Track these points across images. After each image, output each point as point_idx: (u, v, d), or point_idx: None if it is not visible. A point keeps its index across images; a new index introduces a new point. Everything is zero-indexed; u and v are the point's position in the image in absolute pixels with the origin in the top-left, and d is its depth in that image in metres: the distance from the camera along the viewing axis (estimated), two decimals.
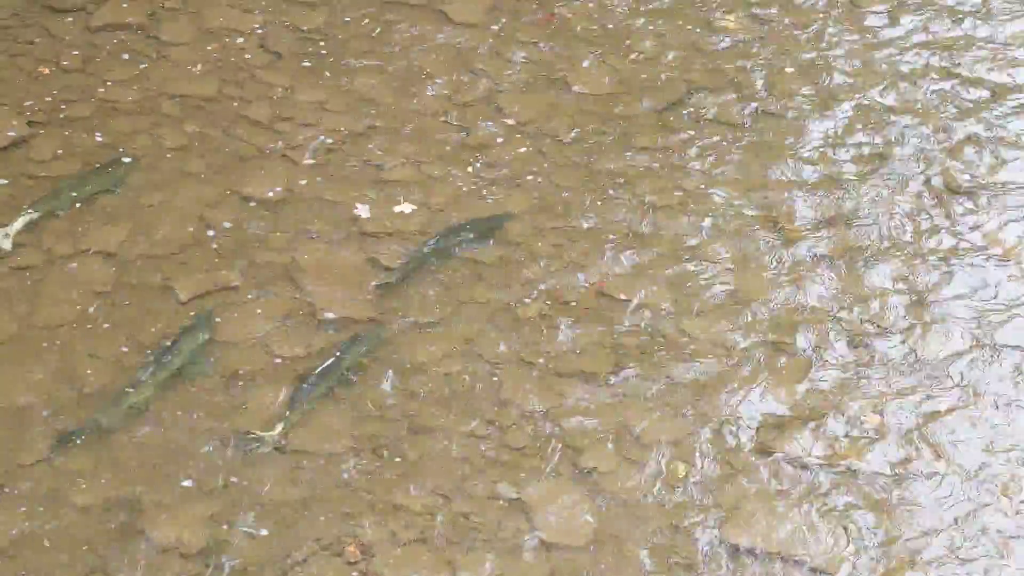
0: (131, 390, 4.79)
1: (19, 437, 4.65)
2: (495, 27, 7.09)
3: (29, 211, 5.49)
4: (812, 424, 5.00)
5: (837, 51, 7.19)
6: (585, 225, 5.86)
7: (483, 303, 5.41)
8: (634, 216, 5.93)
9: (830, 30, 7.36)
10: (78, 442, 4.61)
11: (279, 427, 4.76)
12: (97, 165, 5.84)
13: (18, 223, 5.44)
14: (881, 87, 6.90)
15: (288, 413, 4.80)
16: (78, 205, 5.62)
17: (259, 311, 5.27)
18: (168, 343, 4.99)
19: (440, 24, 7.08)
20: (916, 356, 5.30)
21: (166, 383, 4.86)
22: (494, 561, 4.45)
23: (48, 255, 5.38)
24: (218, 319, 5.19)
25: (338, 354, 5.06)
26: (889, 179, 6.26)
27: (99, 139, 6.03)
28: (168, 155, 6.00)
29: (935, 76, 7.01)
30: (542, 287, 5.51)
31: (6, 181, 5.73)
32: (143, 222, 5.61)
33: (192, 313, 5.16)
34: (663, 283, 5.58)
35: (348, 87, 6.56)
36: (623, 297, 5.49)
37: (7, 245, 5.35)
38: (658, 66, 6.93)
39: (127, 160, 5.89)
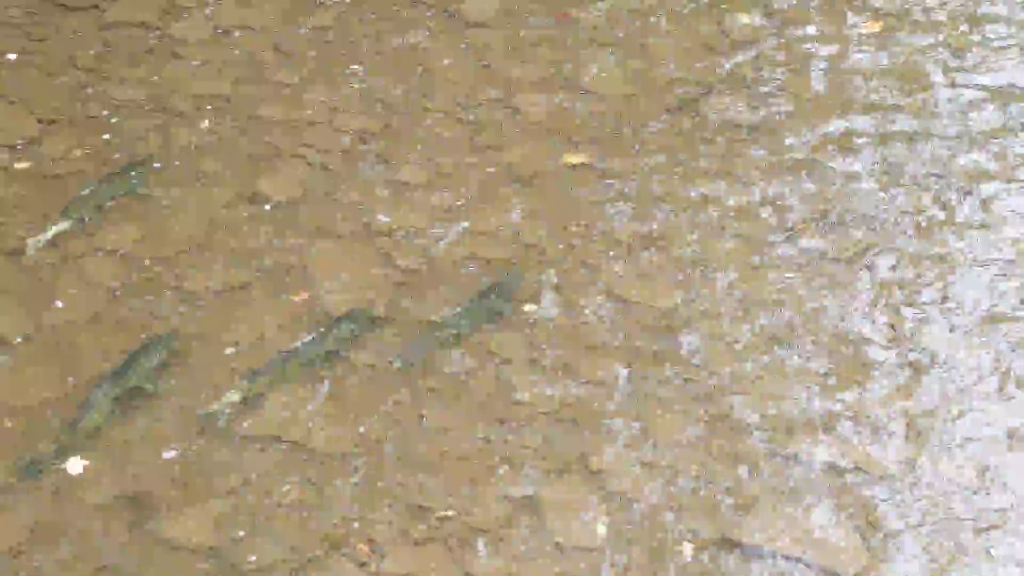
0: (86, 413, 4.72)
1: (30, 435, 4.65)
2: (508, 27, 7.09)
3: (59, 221, 5.47)
4: (824, 426, 4.99)
5: (851, 52, 7.17)
6: (597, 225, 5.85)
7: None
8: (646, 216, 5.92)
9: (844, 31, 7.34)
10: (41, 473, 4.54)
11: (235, 396, 4.78)
12: (120, 168, 5.83)
13: (50, 232, 5.43)
14: (895, 88, 6.88)
15: (245, 383, 4.85)
16: (107, 207, 5.64)
17: (270, 310, 5.27)
18: (123, 362, 4.92)
19: (453, 23, 7.09)
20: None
21: (122, 401, 4.80)
22: (505, 561, 4.43)
23: (62, 254, 5.39)
24: (230, 318, 5.21)
25: (319, 332, 5.09)
26: (902, 181, 6.24)
27: (111, 138, 6.04)
28: (181, 154, 6.00)
29: (950, 78, 6.99)
30: (555, 288, 5.50)
31: (19, 179, 5.74)
32: (156, 221, 5.62)
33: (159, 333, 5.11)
34: (674, 284, 5.57)
35: (361, 86, 6.56)
36: (634, 299, 5.48)
37: (32, 252, 5.35)
38: (672, 66, 6.92)
39: (148, 160, 5.91)
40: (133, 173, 5.80)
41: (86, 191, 5.64)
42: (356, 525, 4.48)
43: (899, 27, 7.39)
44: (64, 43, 6.56)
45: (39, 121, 6.06)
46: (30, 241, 5.36)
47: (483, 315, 5.26)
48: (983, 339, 5.32)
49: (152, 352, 4.96)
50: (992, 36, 7.28)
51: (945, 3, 7.58)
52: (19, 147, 5.91)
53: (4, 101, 6.16)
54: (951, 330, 5.36)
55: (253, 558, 4.35)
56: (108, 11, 6.81)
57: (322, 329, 5.11)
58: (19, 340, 5.02)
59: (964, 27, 7.41)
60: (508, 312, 5.30)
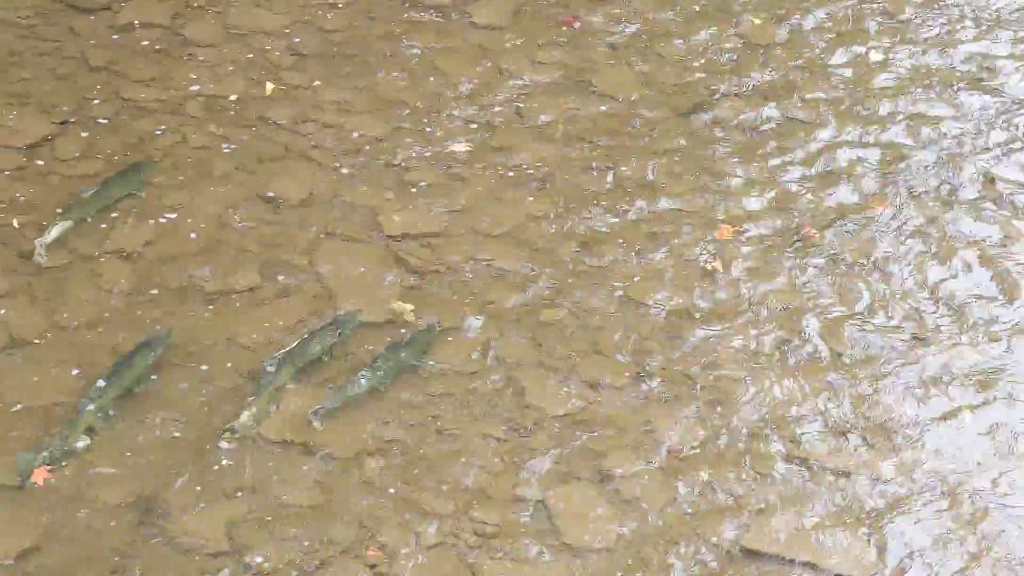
0: (84, 413, 4.70)
1: (43, 436, 4.66)
2: (519, 30, 7.09)
3: (59, 223, 5.48)
4: (834, 428, 4.99)
5: (862, 55, 7.17)
6: (606, 228, 5.85)
7: (505, 307, 5.40)
8: (656, 220, 5.92)
9: (856, 33, 7.34)
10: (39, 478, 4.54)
11: (245, 415, 4.75)
12: (123, 168, 5.85)
13: (53, 233, 5.43)
14: (908, 91, 6.88)
15: (252, 399, 4.82)
16: (117, 207, 5.65)
17: (279, 311, 5.27)
18: (120, 361, 4.90)
19: (464, 26, 7.09)
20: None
21: (118, 402, 4.79)
22: (515, 564, 4.44)
23: (73, 255, 5.40)
24: (240, 319, 5.22)
25: (305, 336, 5.08)
26: (916, 185, 6.24)
27: (124, 138, 6.05)
28: (192, 155, 6.01)
29: (964, 80, 6.99)
30: (565, 291, 5.50)
31: (33, 180, 5.76)
32: (167, 222, 5.63)
33: (156, 328, 5.11)
34: (685, 286, 5.57)
35: (372, 88, 6.57)
36: (647, 301, 5.48)
37: (43, 260, 5.36)
38: (682, 69, 6.92)
39: (151, 160, 5.92)
40: (136, 174, 5.81)
41: (89, 192, 5.65)
42: (367, 528, 4.49)
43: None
44: (77, 45, 6.57)
45: (52, 122, 6.07)
46: (37, 242, 5.38)
47: (395, 370, 5.03)
48: None
49: (146, 353, 4.96)
50: None
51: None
52: (32, 148, 5.92)
53: (17, 102, 6.17)
54: None
55: (264, 561, 4.36)
56: (120, 13, 6.82)
57: (305, 335, 5.10)
58: (31, 340, 5.03)
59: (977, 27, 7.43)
60: (422, 364, 5.09)
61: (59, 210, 5.54)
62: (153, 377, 4.90)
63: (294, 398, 4.90)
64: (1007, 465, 4.86)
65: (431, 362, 5.09)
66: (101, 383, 4.79)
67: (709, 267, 5.67)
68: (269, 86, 6.25)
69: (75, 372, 4.90)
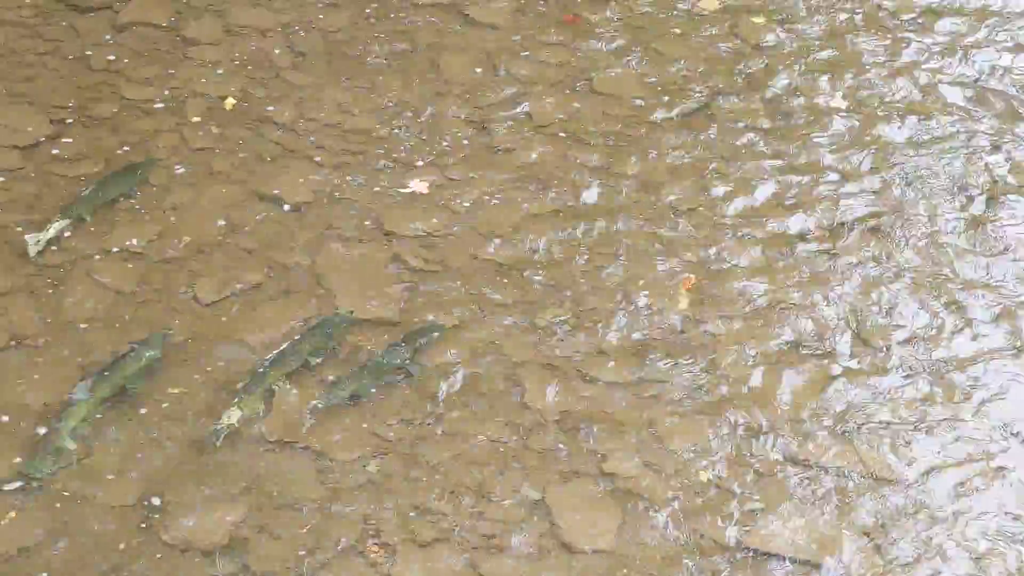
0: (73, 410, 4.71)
1: (42, 436, 4.67)
2: (519, 29, 7.08)
3: (58, 220, 5.48)
4: (835, 427, 4.99)
5: (864, 56, 7.16)
6: (607, 228, 5.85)
7: (507, 307, 5.40)
8: (659, 220, 5.92)
9: (857, 34, 7.33)
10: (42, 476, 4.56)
11: (227, 414, 4.75)
12: (121, 168, 5.85)
13: (51, 231, 5.43)
14: (907, 92, 6.88)
15: (240, 398, 4.82)
16: (117, 207, 5.66)
17: (279, 311, 5.27)
18: (111, 362, 4.91)
19: (464, 25, 7.09)
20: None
21: (106, 402, 4.80)
22: (516, 563, 4.44)
23: (73, 254, 5.40)
24: (240, 318, 5.22)
25: (298, 337, 5.08)
26: (915, 184, 6.23)
27: (124, 138, 6.05)
28: (193, 155, 6.01)
29: (963, 80, 6.98)
30: (567, 291, 5.50)
31: (32, 179, 5.76)
32: (167, 222, 5.63)
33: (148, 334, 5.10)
34: (685, 286, 5.57)
35: (372, 88, 6.57)
36: (648, 301, 5.48)
37: (33, 252, 5.36)
38: (683, 69, 6.91)
39: (149, 161, 5.93)
40: (133, 174, 5.81)
41: (86, 191, 5.66)
42: (367, 528, 4.49)
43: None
44: (77, 44, 6.57)
45: (51, 122, 6.07)
46: (28, 238, 5.38)
47: (394, 369, 5.04)
48: None
49: (140, 353, 4.95)
50: None
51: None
52: (31, 147, 5.93)
53: (17, 101, 6.17)
54: None
55: (264, 561, 4.36)
56: (121, 12, 6.81)
57: (297, 337, 5.11)
58: (30, 339, 5.03)
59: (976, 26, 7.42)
60: (422, 364, 5.09)
61: (60, 209, 5.56)
62: (150, 378, 4.90)
63: (292, 398, 4.91)
64: None
65: (431, 362, 5.10)
66: (80, 392, 4.77)
67: (709, 267, 5.69)
68: (229, 101, 6.25)
69: (75, 372, 4.90)
